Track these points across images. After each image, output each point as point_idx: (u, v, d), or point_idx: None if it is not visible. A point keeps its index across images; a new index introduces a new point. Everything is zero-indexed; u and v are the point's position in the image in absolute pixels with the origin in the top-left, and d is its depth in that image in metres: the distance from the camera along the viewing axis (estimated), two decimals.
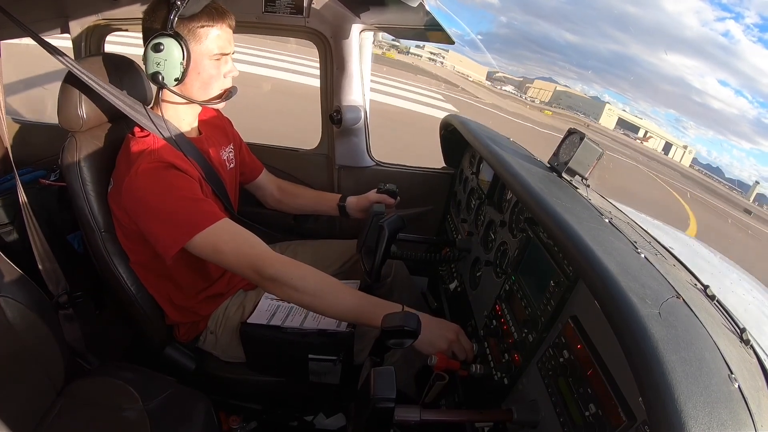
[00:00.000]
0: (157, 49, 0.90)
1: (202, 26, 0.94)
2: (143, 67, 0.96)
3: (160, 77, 0.93)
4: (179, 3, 0.88)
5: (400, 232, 1.10)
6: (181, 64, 0.93)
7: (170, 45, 0.91)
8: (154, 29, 0.92)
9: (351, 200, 1.37)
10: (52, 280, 1.08)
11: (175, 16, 0.89)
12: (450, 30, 1.26)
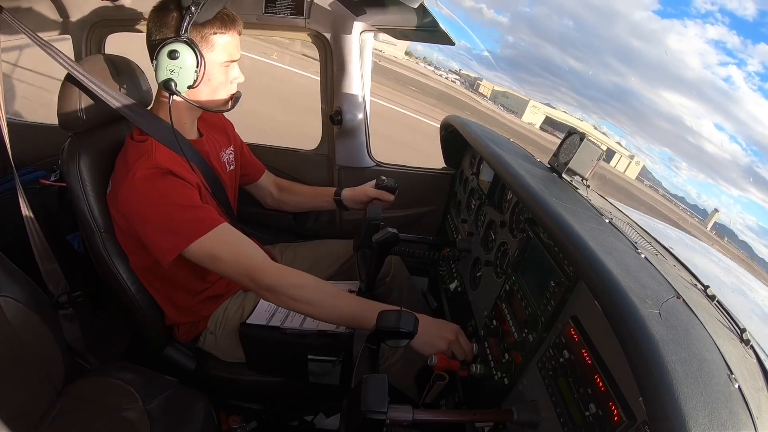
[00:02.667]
0: (172, 56, 0.89)
1: (215, 33, 0.93)
2: (153, 72, 0.94)
3: (173, 84, 0.91)
4: (193, 9, 0.87)
5: (394, 245, 1.11)
6: (195, 71, 0.91)
7: (185, 52, 0.89)
8: (165, 35, 0.91)
9: (347, 193, 1.36)
10: (52, 280, 1.08)
11: (189, 22, 0.88)
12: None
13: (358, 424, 0.60)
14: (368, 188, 1.32)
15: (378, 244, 1.07)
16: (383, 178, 1.31)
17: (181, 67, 0.90)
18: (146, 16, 1.00)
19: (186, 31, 0.89)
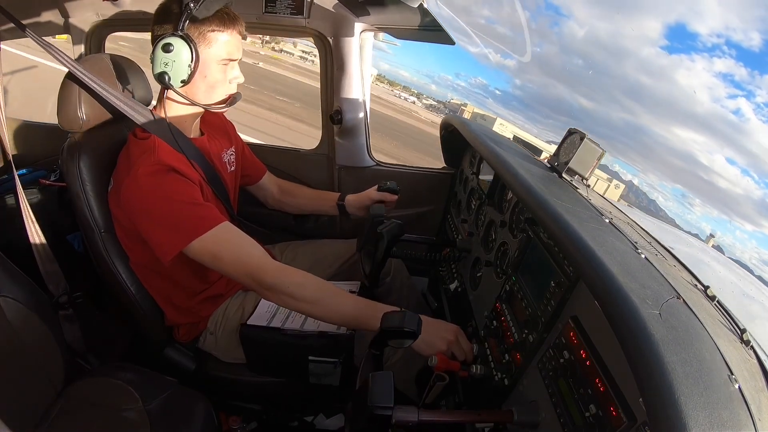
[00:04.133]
0: (166, 49, 0.90)
1: (213, 30, 0.94)
2: (150, 67, 0.95)
3: (167, 77, 0.93)
4: (192, 5, 0.88)
5: (399, 238, 1.11)
6: (189, 66, 0.92)
7: (179, 46, 0.90)
8: (164, 30, 0.92)
9: (350, 198, 1.37)
10: (53, 281, 1.08)
11: (186, 18, 0.89)
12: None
13: (365, 420, 0.61)
14: (371, 193, 1.33)
15: (384, 234, 1.07)
16: (386, 182, 1.32)
17: (174, 60, 0.91)
18: (146, 16, 1.01)
19: (183, 26, 0.90)
